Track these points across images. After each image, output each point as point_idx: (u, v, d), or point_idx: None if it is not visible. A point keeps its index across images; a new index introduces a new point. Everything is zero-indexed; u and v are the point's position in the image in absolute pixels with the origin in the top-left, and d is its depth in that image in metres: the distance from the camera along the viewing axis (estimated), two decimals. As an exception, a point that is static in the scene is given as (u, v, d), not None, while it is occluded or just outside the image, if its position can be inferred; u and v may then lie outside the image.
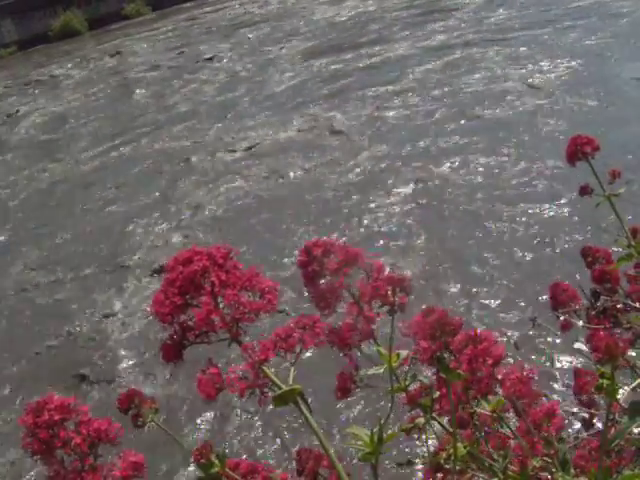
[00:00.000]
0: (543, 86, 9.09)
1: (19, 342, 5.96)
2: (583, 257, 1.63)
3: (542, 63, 10.00)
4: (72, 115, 13.92)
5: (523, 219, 5.97)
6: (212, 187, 8.34)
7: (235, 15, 23.32)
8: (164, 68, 16.69)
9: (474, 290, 5.08)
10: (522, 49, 10.94)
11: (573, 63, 9.68)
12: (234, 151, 9.43)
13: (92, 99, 15.11)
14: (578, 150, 1.60)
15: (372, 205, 6.89)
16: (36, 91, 17.43)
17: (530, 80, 9.43)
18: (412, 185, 7.13)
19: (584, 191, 1.72)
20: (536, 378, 1.00)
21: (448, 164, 7.42)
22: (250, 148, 9.38)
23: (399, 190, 7.09)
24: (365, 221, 6.60)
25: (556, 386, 3.84)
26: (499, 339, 1.08)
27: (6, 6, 28.33)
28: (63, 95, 16.13)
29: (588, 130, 1.89)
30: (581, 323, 1.50)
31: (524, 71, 9.86)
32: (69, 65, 20.36)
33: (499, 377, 0.94)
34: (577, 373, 1.30)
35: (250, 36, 18.24)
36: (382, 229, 6.37)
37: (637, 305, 1.51)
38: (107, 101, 14.64)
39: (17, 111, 15.41)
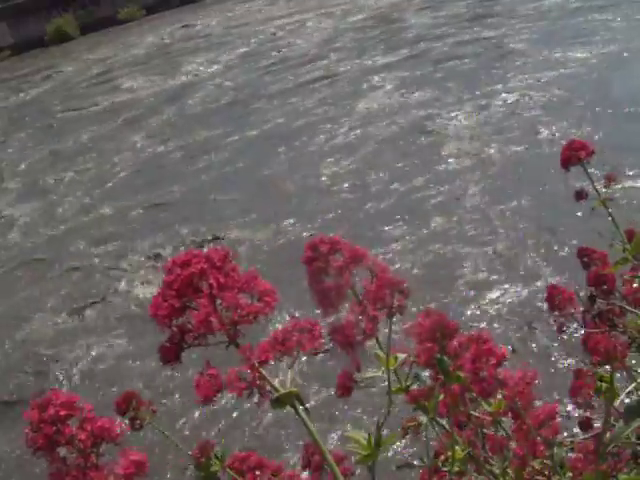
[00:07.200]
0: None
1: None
2: (579, 258, 1.63)
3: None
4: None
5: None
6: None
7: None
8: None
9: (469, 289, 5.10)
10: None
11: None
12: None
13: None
14: (573, 155, 1.61)
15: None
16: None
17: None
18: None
19: (579, 196, 1.73)
20: (537, 381, 1.00)
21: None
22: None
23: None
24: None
25: (551, 389, 3.84)
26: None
27: (1, 10, 28.25)
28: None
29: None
30: (577, 326, 1.50)
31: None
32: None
33: (501, 378, 0.94)
34: (577, 374, 1.30)
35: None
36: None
37: (633, 308, 1.51)
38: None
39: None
